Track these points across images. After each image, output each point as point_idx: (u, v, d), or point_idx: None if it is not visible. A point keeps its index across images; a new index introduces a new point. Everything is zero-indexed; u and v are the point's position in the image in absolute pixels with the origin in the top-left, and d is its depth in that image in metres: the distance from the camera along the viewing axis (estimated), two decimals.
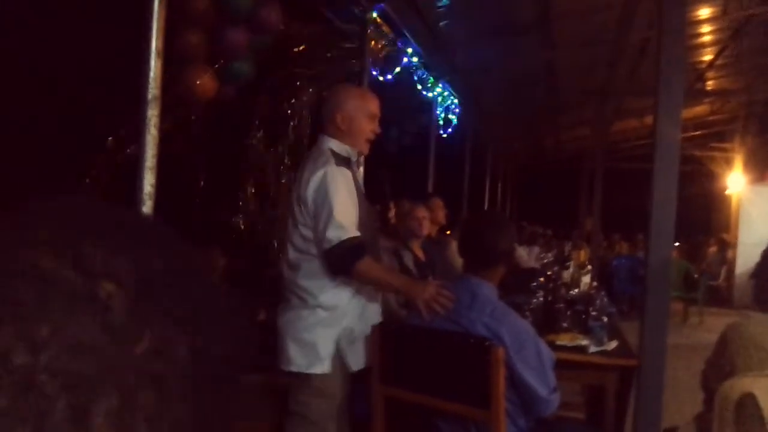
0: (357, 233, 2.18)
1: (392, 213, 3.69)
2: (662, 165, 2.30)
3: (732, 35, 6.78)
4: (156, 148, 1.91)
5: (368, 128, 2.38)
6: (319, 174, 2.20)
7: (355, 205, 2.25)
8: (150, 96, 1.92)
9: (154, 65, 1.94)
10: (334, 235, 2.14)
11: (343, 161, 2.31)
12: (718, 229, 14.02)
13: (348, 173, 2.28)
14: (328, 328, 2.24)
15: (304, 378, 2.23)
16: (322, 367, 2.22)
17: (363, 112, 2.37)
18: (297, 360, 2.23)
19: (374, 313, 2.39)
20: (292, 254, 2.28)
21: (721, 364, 2.03)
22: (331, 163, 2.23)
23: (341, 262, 2.18)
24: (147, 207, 1.90)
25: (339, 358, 2.25)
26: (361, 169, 4.24)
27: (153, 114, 1.93)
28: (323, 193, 2.18)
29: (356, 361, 2.28)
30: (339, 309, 2.26)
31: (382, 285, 2.38)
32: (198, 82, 3.52)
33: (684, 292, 9.84)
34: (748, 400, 1.81)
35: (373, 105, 2.42)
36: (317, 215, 2.19)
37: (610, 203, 8.31)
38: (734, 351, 1.99)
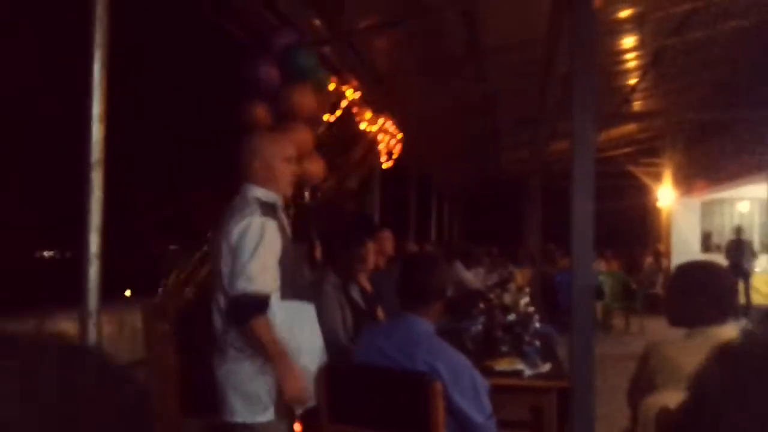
0: (265, 289, 2.15)
1: (318, 251, 3.76)
2: (579, 182, 2.48)
3: (652, 61, 7.26)
4: (102, 210, 1.98)
5: (287, 171, 2.35)
6: (243, 224, 2.17)
7: (275, 260, 2.21)
8: (94, 159, 2.00)
9: (96, 129, 2.01)
10: (240, 285, 2.11)
11: (270, 208, 2.28)
12: (653, 240, 14.66)
13: (274, 224, 2.23)
14: (268, 375, 2.22)
15: (248, 427, 2.22)
16: (266, 415, 2.21)
17: (279, 157, 2.33)
18: (240, 410, 2.21)
19: (314, 353, 2.35)
20: (225, 305, 2.23)
21: (642, 382, 2.18)
22: (257, 214, 2.19)
23: (239, 312, 2.14)
24: (95, 267, 1.96)
25: (281, 403, 2.24)
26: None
27: (97, 176, 2.00)
28: (243, 243, 2.14)
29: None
30: None
31: (264, 352, 2.20)
32: None
33: (624, 302, 10.26)
34: (665, 415, 1.97)
35: (289, 147, 2.40)
36: (233, 263, 2.15)
37: (551, 221, 8.61)
38: (653, 369, 2.12)
